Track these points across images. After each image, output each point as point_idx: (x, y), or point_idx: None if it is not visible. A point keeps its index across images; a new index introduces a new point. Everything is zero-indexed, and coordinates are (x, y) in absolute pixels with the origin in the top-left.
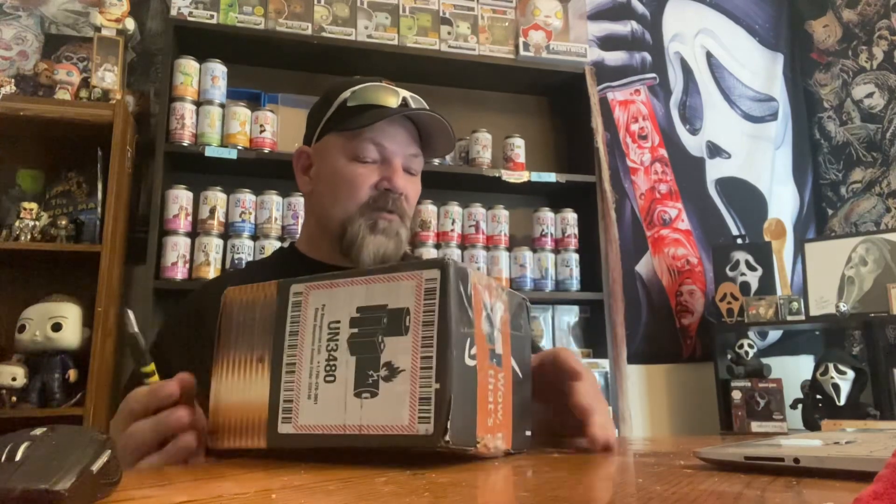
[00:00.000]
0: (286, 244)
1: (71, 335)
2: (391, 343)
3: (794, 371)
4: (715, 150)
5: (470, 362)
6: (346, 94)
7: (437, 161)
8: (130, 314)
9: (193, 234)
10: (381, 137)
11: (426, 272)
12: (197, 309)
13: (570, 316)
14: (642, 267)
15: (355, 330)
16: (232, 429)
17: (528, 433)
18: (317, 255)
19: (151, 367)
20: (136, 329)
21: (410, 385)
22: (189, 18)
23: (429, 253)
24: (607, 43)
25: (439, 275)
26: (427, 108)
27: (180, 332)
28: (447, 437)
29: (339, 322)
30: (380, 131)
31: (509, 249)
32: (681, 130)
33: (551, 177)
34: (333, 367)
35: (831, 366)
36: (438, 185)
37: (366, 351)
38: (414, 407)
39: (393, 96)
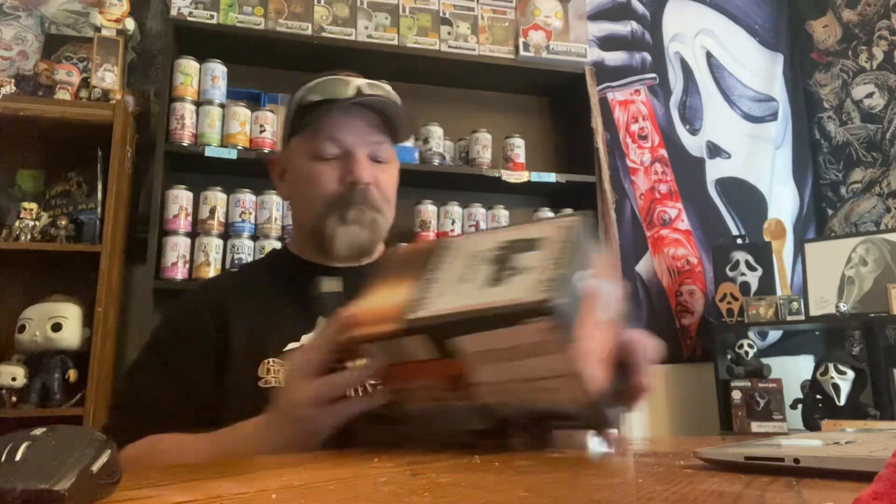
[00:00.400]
0: (276, 240)
1: (71, 335)
2: (525, 257)
3: (794, 371)
4: (715, 150)
5: (580, 285)
6: (301, 91)
7: (437, 161)
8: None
9: (193, 235)
10: (338, 131)
11: (565, 220)
12: (195, 309)
13: None
14: (642, 267)
15: (497, 253)
16: (365, 320)
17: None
18: (306, 255)
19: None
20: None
21: (537, 274)
22: (189, 18)
23: None
24: (607, 43)
25: (578, 221)
26: (385, 94)
27: (179, 332)
28: (557, 301)
29: (478, 252)
30: (336, 125)
31: None
32: (681, 130)
33: (551, 177)
34: (467, 275)
35: (831, 366)
36: (438, 185)
37: (502, 262)
38: (538, 285)
39: (345, 87)
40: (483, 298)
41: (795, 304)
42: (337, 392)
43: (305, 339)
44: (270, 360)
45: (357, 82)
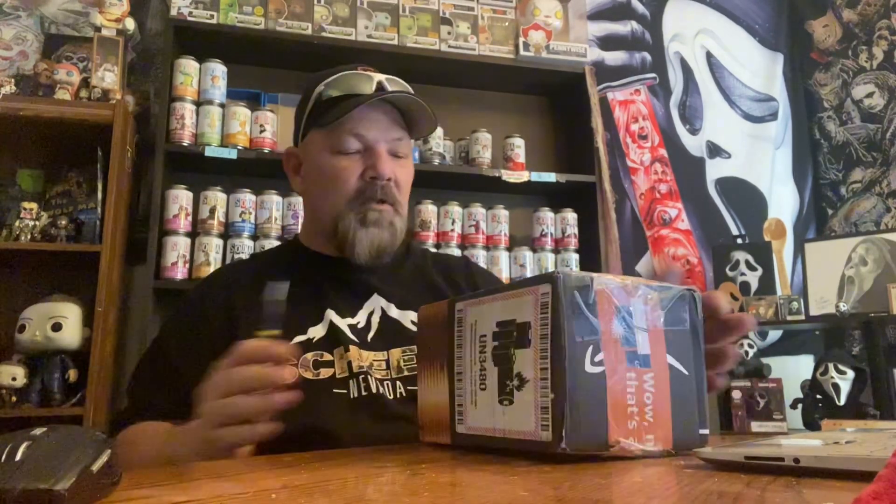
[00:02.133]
0: (291, 237)
1: (71, 335)
2: (520, 355)
3: (794, 371)
4: (715, 150)
5: (594, 369)
6: (321, 87)
7: (437, 161)
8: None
9: (193, 234)
10: (360, 126)
11: (541, 286)
12: (202, 309)
13: None
14: (642, 267)
15: (496, 343)
16: (430, 426)
17: (704, 431)
18: (320, 248)
19: (276, 333)
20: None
21: (534, 395)
22: (189, 18)
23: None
24: (607, 43)
25: (551, 289)
26: (404, 90)
27: (184, 334)
28: (563, 444)
29: (485, 335)
30: (358, 120)
31: (509, 249)
32: (681, 130)
33: (551, 177)
34: (484, 377)
35: (831, 366)
36: (438, 185)
37: (503, 362)
38: (537, 415)
39: (367, 82)
40: (500, 423)
41: (795, 304)
42: (230, 417)
43: (313, 331)
44: None
45: (377, 77)
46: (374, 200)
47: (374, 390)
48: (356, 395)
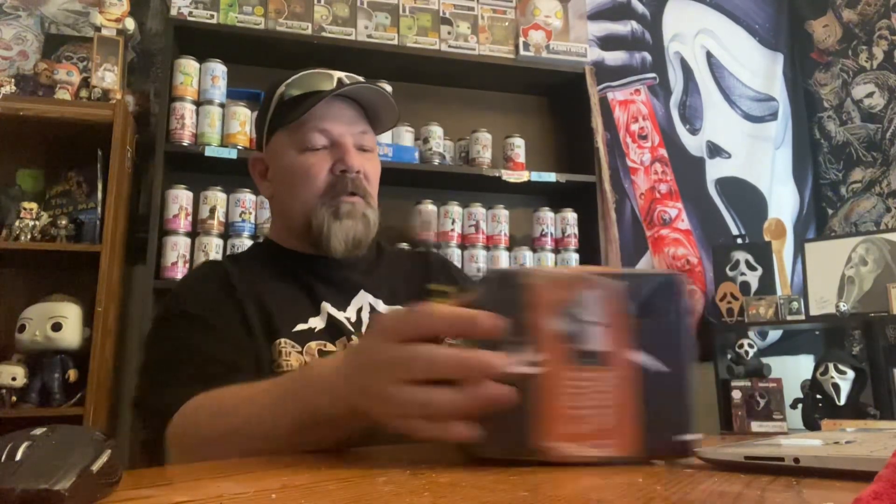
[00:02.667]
0: (260, 240)
1: (71, 335)
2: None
3: (794, 371)
4: (715, 150)
5: (522, 369)
6: (282, 88)
7: (437, 161)
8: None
9: (193, 234)
10: (325, 122)
11: (476, 289)
12: (211, 278)
13: None
14: (642, 267)
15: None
16: None
17: (689, 437)
18: (293, 247)
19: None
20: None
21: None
22: (189, 18)
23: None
24: (607, 43)
25: (484, 288)
26: (363, 81)
27: (201, 295)
28: (481, 447)
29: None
30: (322, 116)
31: (509, 249)
32: (681, 130)
33: (551, 177)
34: None
35: (831, 366)
36: (438, 185)
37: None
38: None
39: (327, 80)
40: None
41: (795, 304)
42: (426, 413)
43: (313, 321)
44: (282, 340)
45: (337, 74)
46: (345, 193)
47: None
48: None
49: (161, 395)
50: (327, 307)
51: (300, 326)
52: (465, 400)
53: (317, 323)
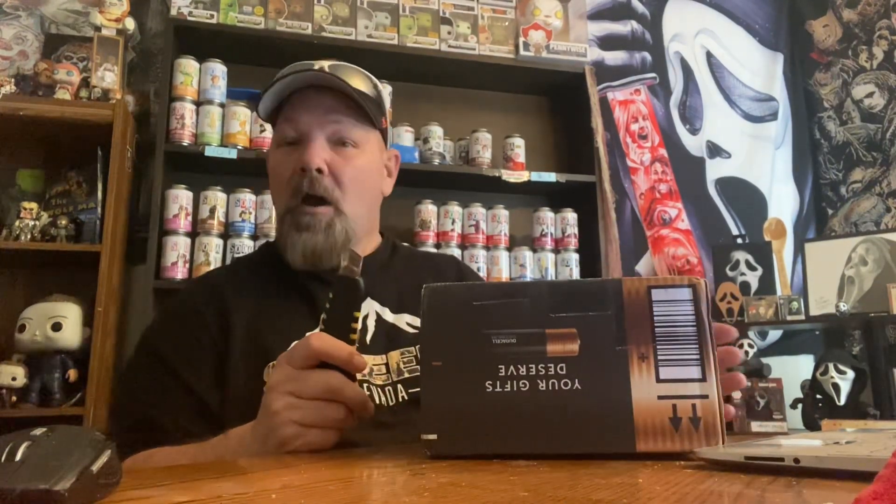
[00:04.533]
0: (263, 242)
1: (71, 335)
2: None
3: (794, 371)
4: (715, 150)
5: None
6: (269, 84)
7: (437, 161)
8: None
9: (193, 234)
10: (293, 112)
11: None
12: (195, 306)
13: None
14: (642, 267)
15: None
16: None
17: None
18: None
19: (359, 315)
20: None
21: None
22: (189, 18)
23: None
24: (607, 43)
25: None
26: (344, 77)
27: (178, 331)
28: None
29: None
30: (293, 107)
31: (509, 249)
32: (681, 130)
33: (551, 177)
34: None
35: (831, 366)
36: (438, 185)
37: None
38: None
39: (308, 68)
40: None
41: (795, 304)
42: (312, 421)
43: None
44: (273, 363)
45: (320, 63)
46: (307, 201)
47: (376, 401)
48: None
49: (121, 440)
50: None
51: (295, 344)
52: (340, 415)
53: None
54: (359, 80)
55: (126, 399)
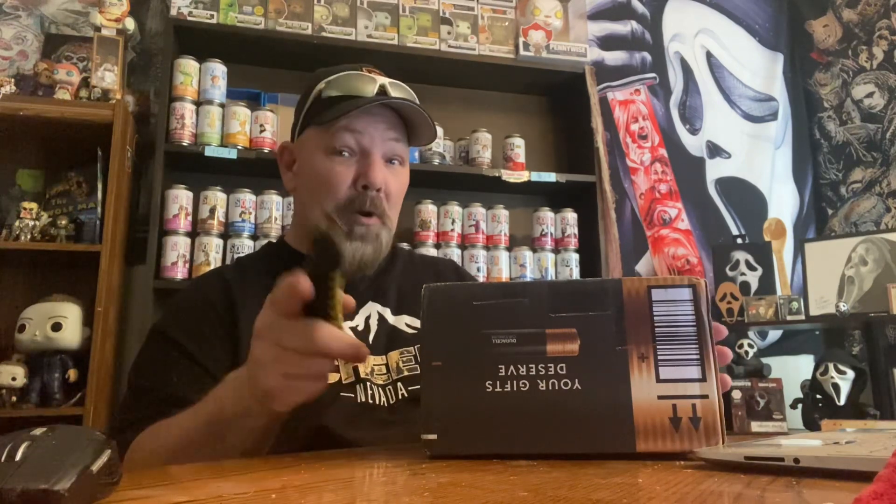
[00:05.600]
0: (275, 238)
1: (71, 335)
2: None
3: (794, 371)
4: (715, 150)
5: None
6: (322, 84)
7: (437, 161)
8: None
9: (193, 234)
10: (357, 125)
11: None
12: (206, 295)
13: None
14: (642, 267)
15: None
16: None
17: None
18: (304, 248)
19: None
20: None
21: None
22: (189, 18)
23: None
24: (607, 43)
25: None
26: (407, 96)
27: (191, 318)
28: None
29: None
30: (355, 120)
31: (509, 249)
32: (681, 130)
33: (551, 177)
34: None
35: (831, 366)
36: (438, 185)
37: None
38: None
39: (370, 84)
40: None
41: (795, 304)
42: (309, 374)
43: None
44: None
45: (381, 80)
46: (362, 213)
47: (377, 401)
48: (363, 399)
49: (123, 433)
50: None
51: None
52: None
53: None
54: (412, 97)
55: (145, 381)
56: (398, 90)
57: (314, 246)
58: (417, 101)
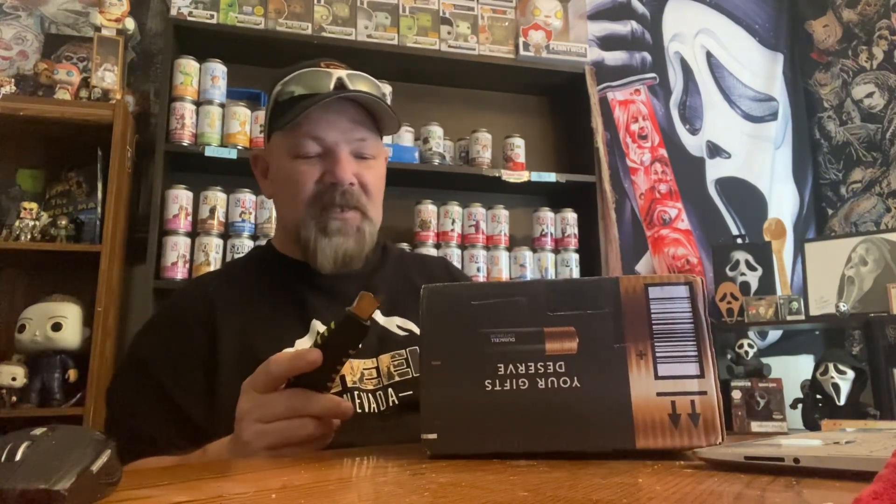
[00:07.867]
0: (263, 242)
1: (71, 335)
2: None
3: (794, 371)
4: (715, 150)
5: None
6: (279, 86)
7: (437, 161)
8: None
9: (193, 234)
10: (318, 129)
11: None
12: (181, 317)
13: None
14: (642, 267)
15: None
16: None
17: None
18: (291, 253)
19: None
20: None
21: None
22: (189, 18)
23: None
24: (607, 43)
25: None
26: (367, 89)
27: (164, 343)
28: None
29: None
30: (316, 122)
31: (509, 249)
32: (681, 130)
33: (551, 177)
34: None
35: (831, 366)
36: (438, 185)
37: None
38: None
39: (325, 79)
40: None
41: (795, 304)
42: (289, 442)
43: (300, 343)
44: None
45: (337, 74)
46: (334, 207)
47: (366, 408)
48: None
49: None
50: (317, 325)
51: (286, 351)
52: (318, 432)
53: (303, 344)
54: (373, 87)
55: (113, 410)
56: (358, 81)
57: (343, 321)
58: (379, 91)
